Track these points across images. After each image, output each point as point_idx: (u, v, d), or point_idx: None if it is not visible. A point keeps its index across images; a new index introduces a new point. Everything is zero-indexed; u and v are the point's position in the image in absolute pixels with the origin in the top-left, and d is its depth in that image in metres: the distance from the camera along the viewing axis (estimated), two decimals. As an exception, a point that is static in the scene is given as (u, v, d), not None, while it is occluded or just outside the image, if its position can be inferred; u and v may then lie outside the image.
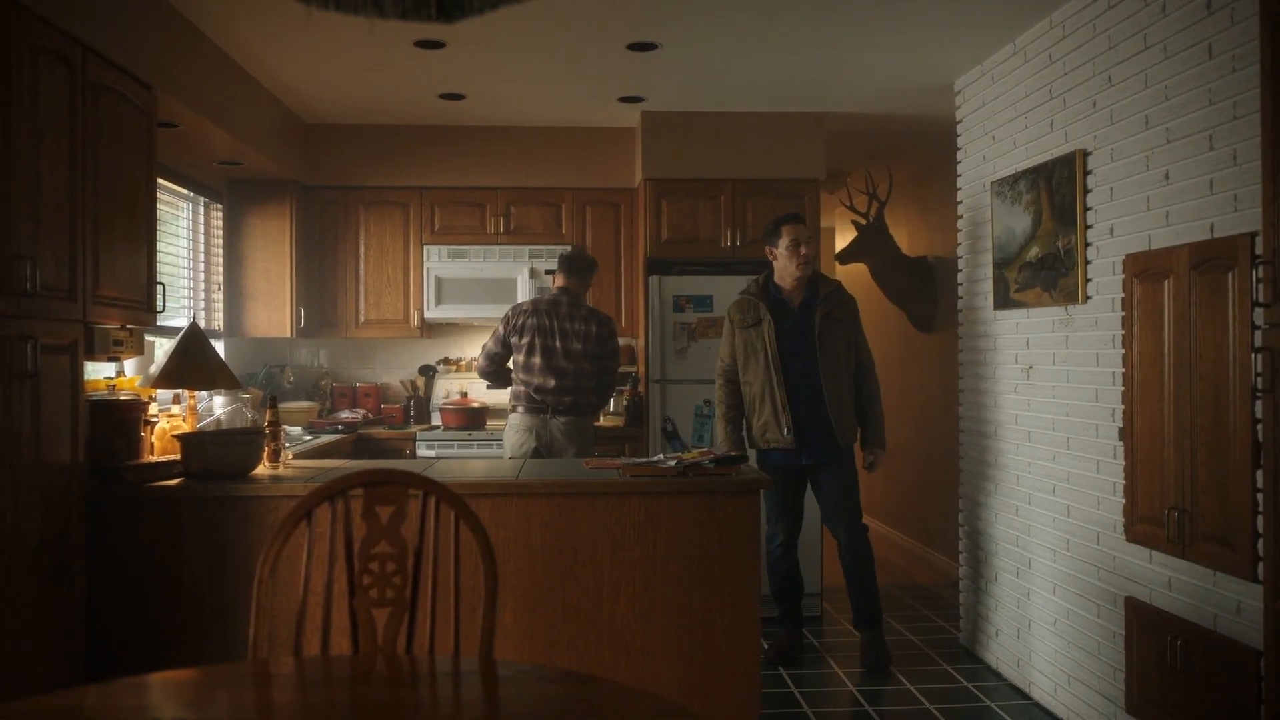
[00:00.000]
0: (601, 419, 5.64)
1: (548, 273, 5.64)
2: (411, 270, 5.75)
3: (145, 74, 3.51)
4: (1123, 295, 3.42)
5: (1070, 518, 3.77)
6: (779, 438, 4.31)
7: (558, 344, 4.58)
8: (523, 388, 4.63)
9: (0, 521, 2.67)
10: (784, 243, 4.39)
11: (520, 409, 4.63)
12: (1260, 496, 2.68)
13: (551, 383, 4.56)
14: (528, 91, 5.09)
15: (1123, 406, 3.41)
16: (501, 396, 5.57)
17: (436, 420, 5.86)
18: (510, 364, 4.75)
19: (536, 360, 4.58)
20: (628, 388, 5.84)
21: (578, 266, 4.75)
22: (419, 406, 5.94)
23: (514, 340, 4.65)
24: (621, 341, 5.97)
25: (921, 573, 6.36)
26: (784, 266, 4.41)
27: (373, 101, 5.27)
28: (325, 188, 5.74)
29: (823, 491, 4.44)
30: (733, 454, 3.51)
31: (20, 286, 2.73)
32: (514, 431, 4.63)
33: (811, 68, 4.70)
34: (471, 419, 5.61)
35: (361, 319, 5.78)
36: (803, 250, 4.37)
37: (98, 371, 3.57)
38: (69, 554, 3.04)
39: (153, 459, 3.44)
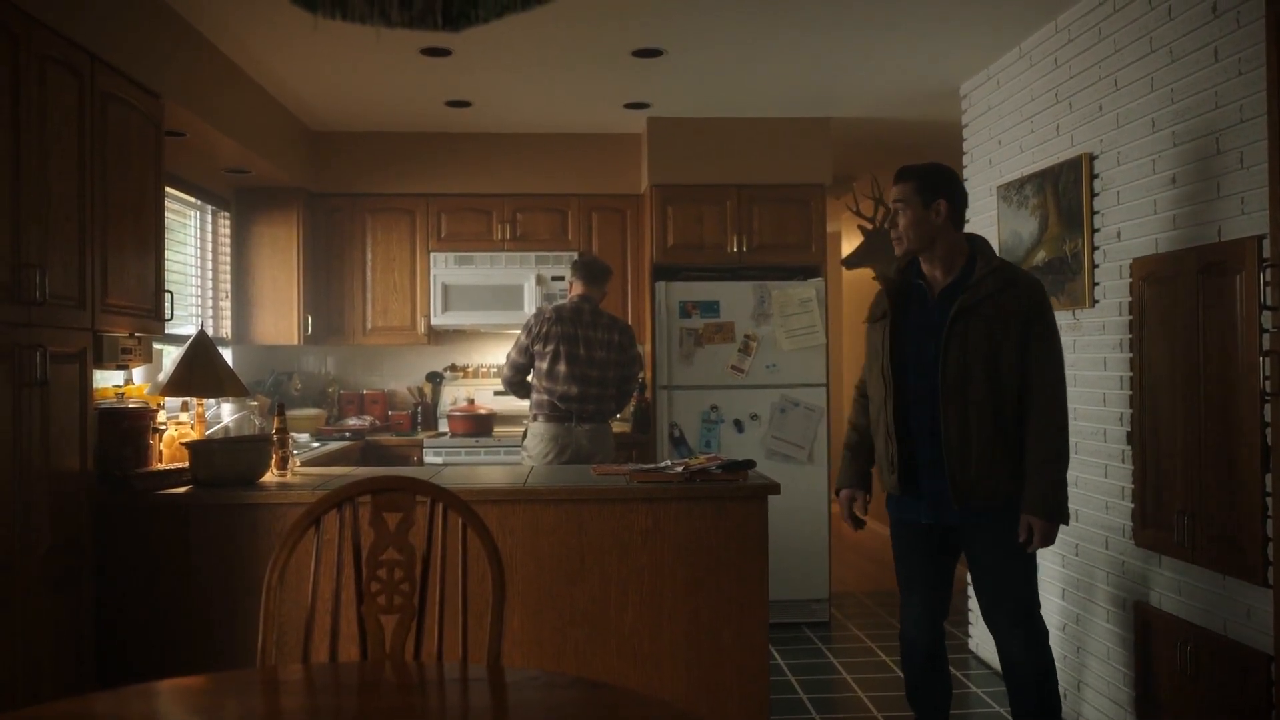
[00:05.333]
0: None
1: (554, 279, 5.65)
2: (418, 277, 5.76)
3: (153, 83, 3.52)
4: (1130, 299, 3.41)
5: (1079, 522, 3.76)
6: (889, 481, 3.10)
7: (582, 352, 4.56)
8: (545, 396, 4.59)
9: (10, 528, 2.68)
10: None
11: (542, 417, 4.60)
12: (1269, 500, 2.67)
13: (575, 390, 4.54)
14: (534, 98, 5.10)
15: (1131, 410, 3.40)
16: (508, 403, 5.58)
17: (444, 427, 5.86)
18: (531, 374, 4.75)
19: (561, 368, 4.55)
20: (635, 393, 5.84)
21: (594, 273, 4.72)
22: (426, 413, 5.95)
23: (538, 348, 4.59)
24: (628, 347, 5.99)
25: (929, 578, 6.34)
26: None
27: (379, 109, 5.29)
28: (332, 195, 5.76)
29: (972, 570, 3.11)
30: (739, 460, 3.50)
31: (29, 295, 2.74)
32: (538, 440, 4.60)
33: (817, 73, 4.71)
34: (479, 426, 5.61)
35: (369, 326, 5.79)
36: (892, 216, 3.10)
37: (106, 379, 3.58)
38: (78, 561, 3.05)
39: (161, 466, 3.45)
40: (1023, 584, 2.99)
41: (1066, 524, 2.98)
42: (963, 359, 2.93)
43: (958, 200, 3.05)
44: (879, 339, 3.13)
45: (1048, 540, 2.89)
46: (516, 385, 4.75)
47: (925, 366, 2.99)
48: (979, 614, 4.66)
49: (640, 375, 4.87)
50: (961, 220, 3.07)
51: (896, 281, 3.16)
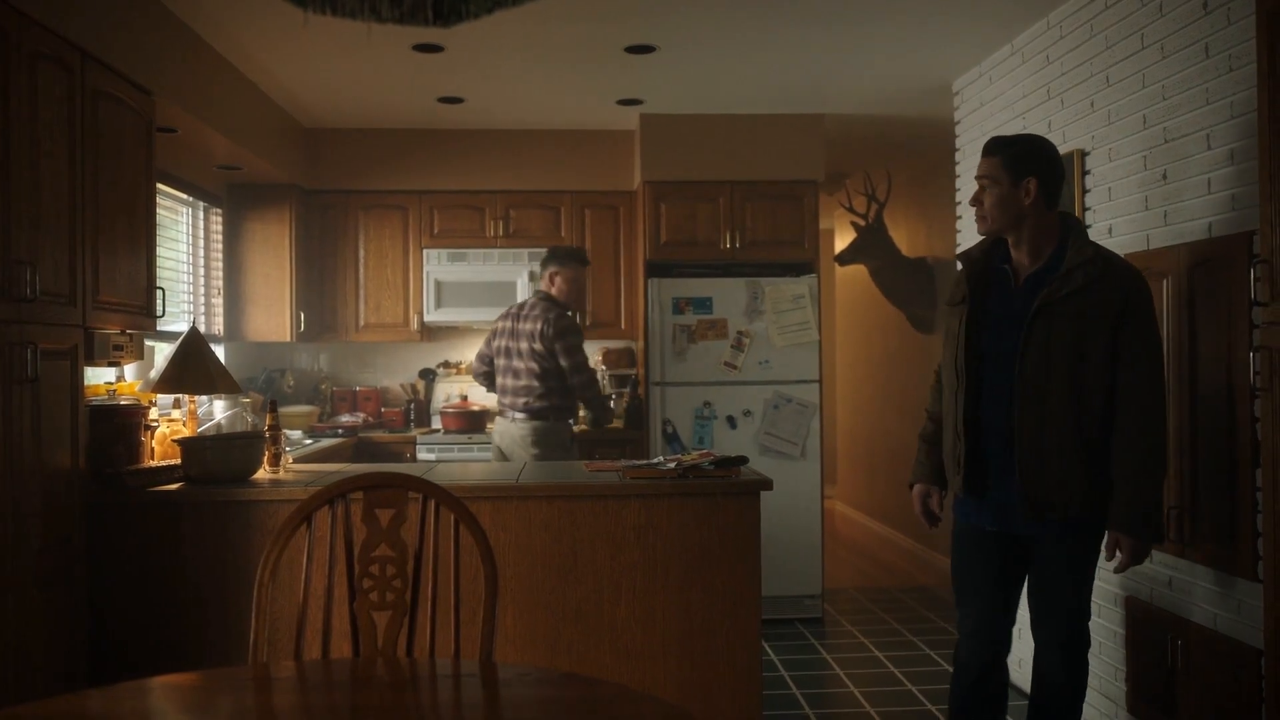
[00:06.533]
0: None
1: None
2: (411, 274, 5.75)
3: (144, 79, 3.51)
4: (1121, 295, 3.41)
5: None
6: (954, 481, 2.87)
7: (510, 344, 4.60)
8: (496, 392, 4.71)
9: (1, 526, 2.67)
10: None
11: (499, 415, 4.70)
12: (1260, 495, 2.68)
13: (508, 382, 4.59)
14: (526, 94, 5.10)
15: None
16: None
17: (437, 424, 5.86)
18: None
19: (500, 361, 4.65)
20: (627, 390, 5.84)
21: (541, 262, 4.71)
22: (419, 410, 5.94)
23: (492, 343, 4.71)
24: (620, 344, 5.99)
25: (923, 574, 6.36)
26: None
27: (372, 105, 5.28)
28: (324, 191, 5.75)
29: (1031, 580, 2.85)
30: (732, 456, 3.50)
31: (20, 292, 2.73)
32: (493, 437, 4.74)
33: (809, 69, 4.71)
34: (471, 422, 5.61)
35: (361, 323, 5.78)
36: (977, 193, 2.82)
37: (98, 376, 3.57)
38: (70, 558, 3.05)
39: (153, 464, 3.44)
40: (1075, 603, 2.76)
41: (1160, 543, 2.64)
42: (1044, 357, 2.66)
43: (1051, 178, 2.75)
44: (956, 325, 2.85)
45: (1138, 559, 2.64)
46: (480, 374, 4.84)
47: (1003, 360, 2.73)
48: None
49: (576, 368, 4.49)
50: (1055, 200, 2.77)
51: (979, 262, 2.86)
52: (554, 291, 4.61)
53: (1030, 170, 2.72)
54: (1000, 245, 2.85)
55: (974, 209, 2.81)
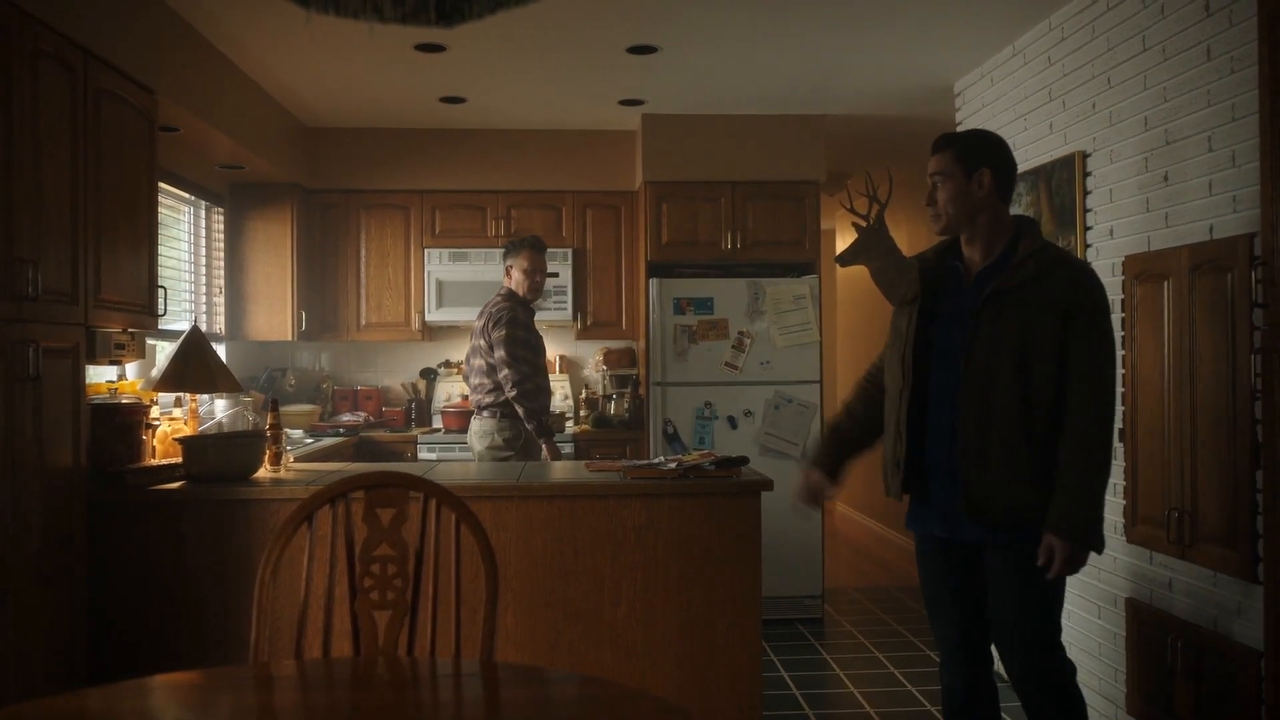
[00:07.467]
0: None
1: (548, 276, 5.66)
2: (412, 273, 5.76)
3: (146, 78, 3.52)
4: (1122, 297, 3.42)
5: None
6: (893, 485, 2.75)
7: (473, 342, 4.58)
8: None
9: (2, 524, 2.68)
10: None
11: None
12: (1260, 497, 2.68)
13: (470, 381, 4.59)
14: (528, 95, 5.10)
15: (1123, 408, 3.41)
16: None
17: (438, 423, 5.86)
18: None
19: (469, 361, 4.64)
20: (628, 390, 5.84)
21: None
22: (420, 409, 5.94)
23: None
24: (621, 344, 6.00)
25: (923, 574, 6.35)
26: None
27: (374, 105, 5.28)
28: (326, 191, 5.75)
29: (989, 596, 2.66)
30: (733, 456, 3.50)
31: (22, 290, 2.74)
32: None
33: (811, 70, 4.71)
34: (473, 422, 5.61)
35: (363, 322, 5.78)
36: (930, 191, 2.71)
37: (99, 375, 3.58)
38: (71, 557, 3.05)
39: (154, 462, 3.44)
40: (1038, 617, 2.56)
41: (1099, 551, 2.52)
42: (991, 351, 2.53)
43: (1004, 171, 2.65)
44: (905, 324, 2.74)
45: (1071, 566, 2.46)
46: (466, 380, 4.84)
47: (952, 357, 2.61)
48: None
49: (504, 362, 4.34)
50: (1009, 195, 2.68)
51: (932, 262, 2.77)
52: (512, 285, 4.54)
53: (983, 162, 2.63)
54: (953, 247, 2.75)
55: (929, 209, 2.71)
